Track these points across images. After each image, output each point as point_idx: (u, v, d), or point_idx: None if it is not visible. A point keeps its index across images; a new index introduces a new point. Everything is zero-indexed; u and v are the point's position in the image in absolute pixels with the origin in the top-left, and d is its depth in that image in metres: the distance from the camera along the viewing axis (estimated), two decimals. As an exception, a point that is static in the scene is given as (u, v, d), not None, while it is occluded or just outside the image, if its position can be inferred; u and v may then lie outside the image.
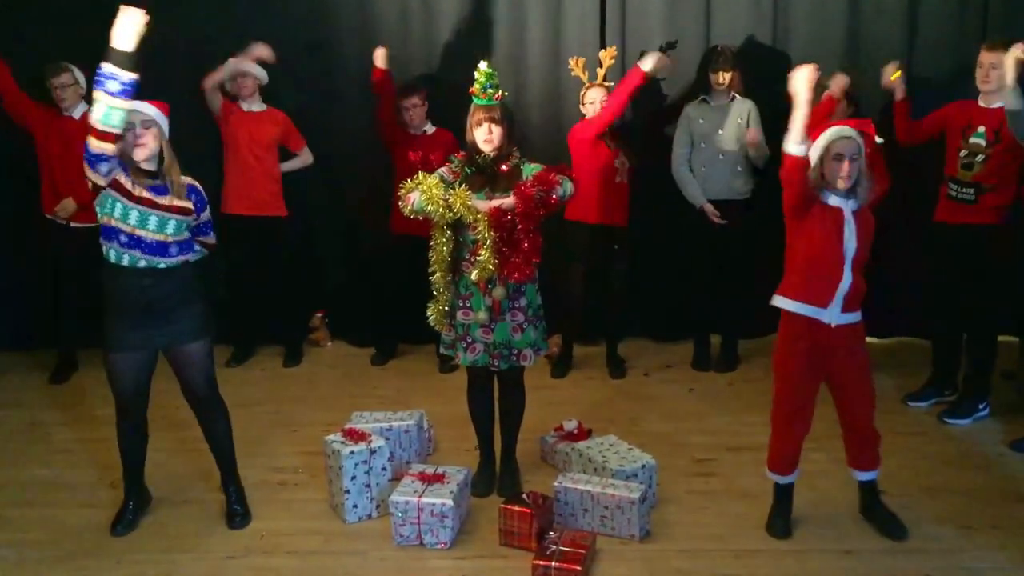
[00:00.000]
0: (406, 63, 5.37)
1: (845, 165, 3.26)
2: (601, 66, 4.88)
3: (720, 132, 5.00)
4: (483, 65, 3.66)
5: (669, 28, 5.31)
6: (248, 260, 5.31)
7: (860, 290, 3.38)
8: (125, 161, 3.35)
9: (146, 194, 3.36)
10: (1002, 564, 3.40)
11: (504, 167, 3.65)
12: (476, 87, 3.64)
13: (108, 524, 3.71)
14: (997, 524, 3.65)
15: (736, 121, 4.99)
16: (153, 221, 3.36)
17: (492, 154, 3.65)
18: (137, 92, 3.15)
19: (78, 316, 5.21)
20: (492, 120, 3.61)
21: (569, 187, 3.63)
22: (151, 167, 3.40)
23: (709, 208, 4.99)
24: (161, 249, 3.39)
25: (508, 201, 3.53)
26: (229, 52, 5.05)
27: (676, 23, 5.32)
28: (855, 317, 3.41)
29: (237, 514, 3.75)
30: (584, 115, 4.99)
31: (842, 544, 3.53)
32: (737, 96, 5.04)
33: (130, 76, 3.10)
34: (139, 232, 3.35)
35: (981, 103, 4.37)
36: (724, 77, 4.94)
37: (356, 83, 5.36)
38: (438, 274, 3.72)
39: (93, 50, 3.36)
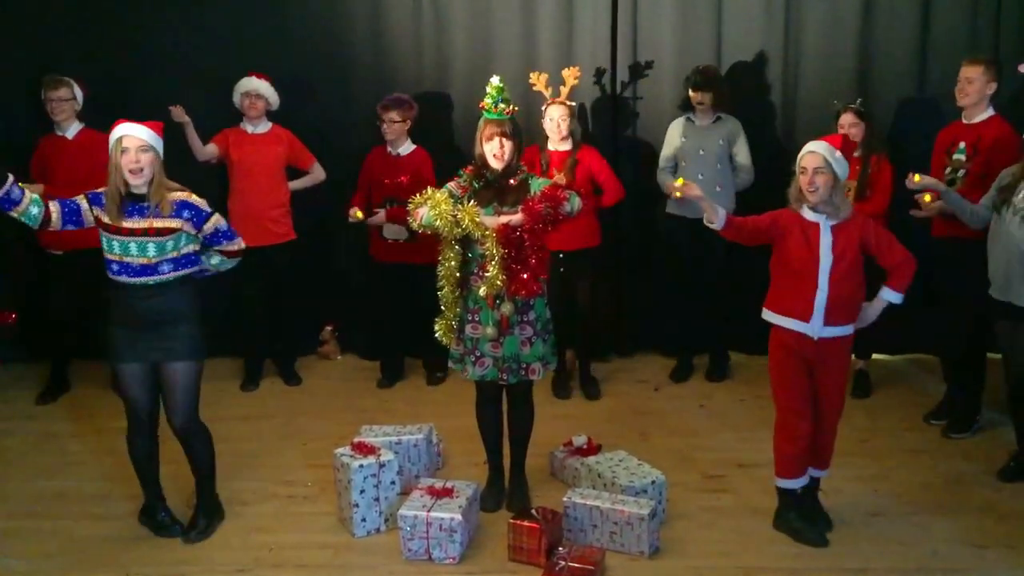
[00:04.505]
0: (418, 79, 5.41)
1: (806, 178, 3.41)
2: (564, 84, 4.85)
3: (700, 152, 4.99)
4: (495, 80, 3.68)
5: (680, 40, 5.31)
6: (262, 288, 5.16)
7: (844, 303, 3.44)
8: (102, 193, 3.46)
9: (125, 223, 3.43)
10: (1015, 583, 3.38)
11: (512, 181, 3.67)
12: (487, 101, 3.66)
13: (119, 535, 3.74)
14: (1011, 543, 3.61)
15: (717, 142, 4.97)
16: (133, 247, 3.44)
17: (501, 168, 3.66)
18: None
19: (66, 330, 5.19)
20: (503, 135, 3.63)
21: (577, 202, 3.63)
22: (141, 190, 3.45)
23: (678, 185, 4.90)
24: (148, 270, 3.46)
25: (516, 218, 3.54)
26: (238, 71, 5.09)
27: (687, 34, 5.32)
28: (840, 331, 3.48)
29: (195, 528, 3.75)
30: (545, 131, 4.87)
31: (854, 562, 3.51)
32: (722, 116, 5.02)
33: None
34: (126, 259, 3.46)
35: (964, 120, 4.43)
36: (704, 97, 4.90)
37: (367, 100, 5.38)
38: (446, 288, 3.73)
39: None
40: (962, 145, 4.39)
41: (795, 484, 3.64)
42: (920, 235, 4.46)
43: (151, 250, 3.45)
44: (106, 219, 3.46)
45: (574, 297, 5.02)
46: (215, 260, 3.66)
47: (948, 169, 4.41)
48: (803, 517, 3.68)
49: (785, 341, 3.52)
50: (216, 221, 3.56)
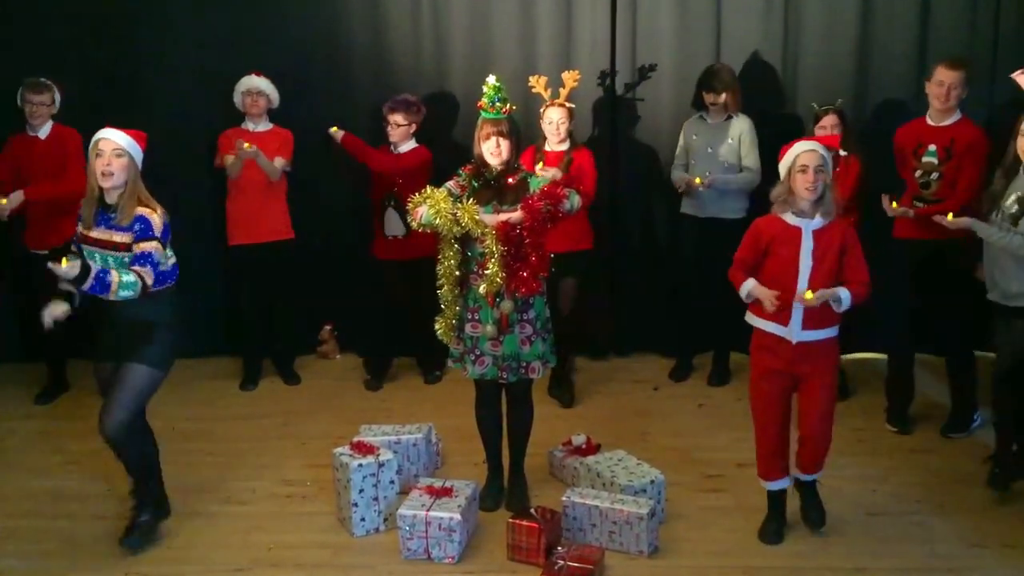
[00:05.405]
0: (416, 80, 5.40)
1: (809, 177, 3.37)
2: (564, 86, 4.85)
3: (710, 150, 4.98)
4: (491, 79, 3.68)
5: (679, 44, 5.32)
6: (260, 287, 5.16)
7: (823, 307, 3.39)
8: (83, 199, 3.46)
9: (92, 233, 3.42)
10: (1014, 583, 3.38)
11: (511, 180, 3.67)
12: (484, 101, 3.67)
13: (117, 535, 3.72)
14: (1009, 542, 3.62)
15: (727, 140, 4.96)
16: (97, 258, 3.41)
17: (499, 167, 3.66)
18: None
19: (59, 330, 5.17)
20: (500, 134, 3.63)
21: (576, 200, 3.64)
22: (112, 197, 3.41)
23: (688, 179, 4.92)
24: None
25: (516, 215, 3.55)
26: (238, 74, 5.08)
27: (686, 39, 5.32)
28: (819, 334, 3.45)
29: (138, 527, 3.64)
30: (544, 132, 4.85)
31: (853, 562, 3.51)
32: (733, 115, 5.00)
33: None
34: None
35: (930, 121, 4.37)
36: (717, 98, 4.89)
37: (367, 100, 5.37)
38: (446, 287, 3.73)
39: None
40: (932, 147, 4.32)
41: (770, 486, 3.65)
42: (886, 238, 4.47)
43: (110, 264, 3.39)
44: (80, 228, 3.44)
45: (556, 299, 4.94)
46: (129, 277, 3.32)
47: (919, 172, 4.35)
48: (775, 518, 3.68)
49: (765, 344, 3.52)
50: (154, 247, 3.37)
